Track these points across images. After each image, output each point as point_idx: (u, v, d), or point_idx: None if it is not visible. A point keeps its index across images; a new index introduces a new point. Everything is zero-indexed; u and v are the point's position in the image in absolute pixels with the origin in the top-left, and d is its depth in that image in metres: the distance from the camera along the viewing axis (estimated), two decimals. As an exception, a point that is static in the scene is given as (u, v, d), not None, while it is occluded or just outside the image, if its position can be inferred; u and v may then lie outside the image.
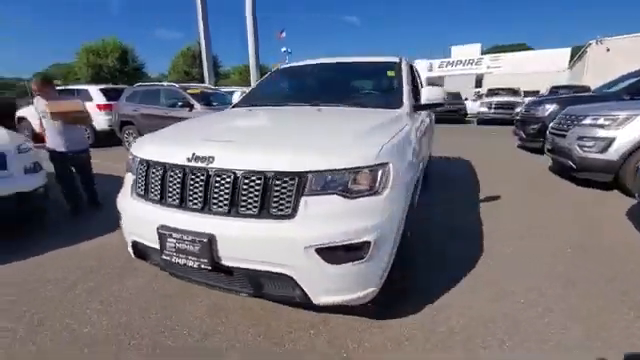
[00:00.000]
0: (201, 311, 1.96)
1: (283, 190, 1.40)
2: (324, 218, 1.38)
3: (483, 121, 14.06)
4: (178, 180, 1.55)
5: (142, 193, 1.70)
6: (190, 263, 1.48)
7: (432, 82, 36.07)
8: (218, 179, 1.47)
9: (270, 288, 1.53)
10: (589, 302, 2.00)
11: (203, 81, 16.40)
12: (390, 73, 2.67)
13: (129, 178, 1.85)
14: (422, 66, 35.06)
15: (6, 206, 2.78)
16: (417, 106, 2.53)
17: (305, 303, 1.50)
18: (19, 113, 9.39)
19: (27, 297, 2.14)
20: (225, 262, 1.46)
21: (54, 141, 3.34)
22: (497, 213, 3.52)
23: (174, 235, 1.49)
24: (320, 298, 1.47)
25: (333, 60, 3.05)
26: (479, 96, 17.00)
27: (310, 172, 1.39)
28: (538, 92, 16.04)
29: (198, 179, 1.50)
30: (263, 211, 1.41)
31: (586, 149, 3.95)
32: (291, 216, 1.39)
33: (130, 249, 1.84)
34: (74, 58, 17.91)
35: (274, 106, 2.53)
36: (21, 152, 2.97)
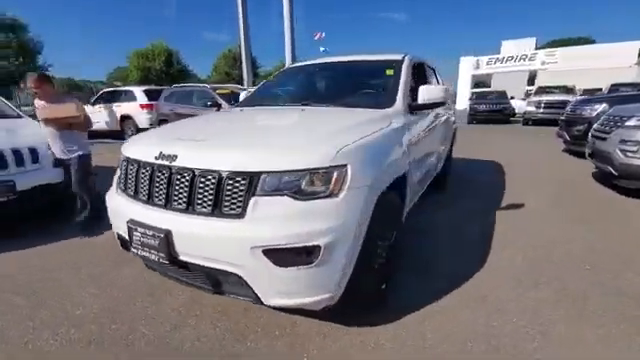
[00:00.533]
0: (179, 303, 2.04)
1: (235, 189, 1.41)
2: (273, 219, 1.37)
3: (531, 121, 12.99)
4: (147, 177, 1.63)
5: (123, 188, 1.82)
6: (152, 257, 1.55)
7: (479, 80, 34.20)
8: (179, 177, 1.52)
9: (227, 286, 1.55)
10: (592, 329, 1.76)
11: (242, 81, 17.04)
12: (389, 72, 2.57)
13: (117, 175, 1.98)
14: (468, 63, 33.33)
15: (38, 195, 3.10)
16: (414, 106, 2.40)
17: (257, 304, 1.50)
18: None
19: (40, 278, 2.37)
20: (182, 257, 1.50)
21: (53, 147, 3.12)
22: (515, 221, 3.25)
23: (139, 229, 1.57)
24: (271, 300, 1.46)
25: (335, 59, 3.00)
26: (527, 94, 15.72)
27: (261, 172, 1.39)
28: (600, 90, 14.45)
29: (163, 176, 1.57)
30: (216, 210, 1.44)
31: (629, 154, 3.48)
32: (241, 216, 1.39)
33: (117, 240, 1.97)
34: (126, 62, 19.79)
35: (267, 106, 2.56)
36: (52, 148, 3.29)
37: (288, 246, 1.35)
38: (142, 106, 8.83)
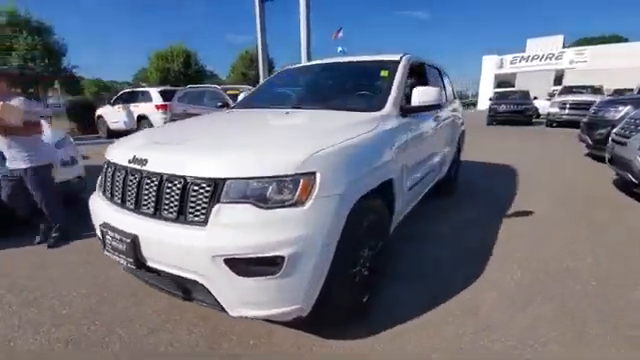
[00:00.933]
0: (160, 306, 2.03)
1: (200, 196, 1.38)
2: (235, 228, 1.33)
3: (555, 123, 12.38)
4: (121, 180, 1.62)
5: (103, 191, 1.83)
6: (122, 261, 1.55)
7: (502, 80, 33.14)
8: (148, 181, 1.50)
9: (195, 294, 1.52)
10: (590, 354, 1.62)
11: (258, 82, 17.20)
12: (384, 73, 2.47)
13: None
14: (491, 62, 32.40)
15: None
16: (408, 108, 2.31)
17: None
18: (98, 112, 10.89)
19: (36, 276, 2.44)
20: (150, 263, 1.49)
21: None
22: (520, 230, 3.07)
23: (110, 233, 1.56)
24: (236, 310, 1.41)
25: (331, 61, 2.94)
26: (551, 95, 15.02)
27: (225, 179, 1.35)
28: (631, 91, 13.61)
29: (134, 180, 1.56)
30: (181, 216, 1.41)
31: (651, 161, 3.22)
32: (204, 223, 1.36)
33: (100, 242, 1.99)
34: (146, 64, 20.41)
35: (256, 108, 2.53)
36: (58, 147, 3.40)
37: (250, 256, 1.30)
38: (157, 107, 9.07)
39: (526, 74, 28.61)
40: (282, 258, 1.31)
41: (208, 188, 1.36)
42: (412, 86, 2.49)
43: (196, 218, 1.38)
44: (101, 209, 1.73)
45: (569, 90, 13.38)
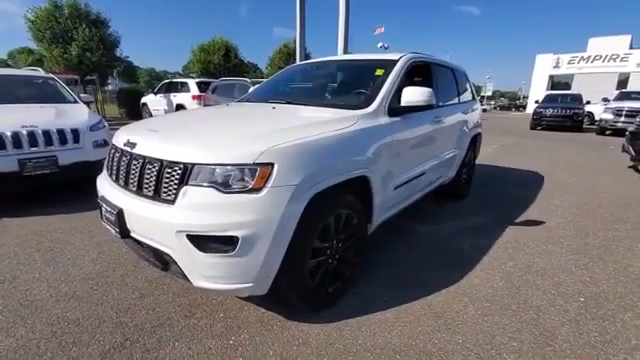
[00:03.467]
0: (155, 276, 2.27)
1: (171, 178, 1.55)
2: (197, 208, 1.49)
3: (608, 132, 11.32)
4: (117, 160, 1.86)
5: (106, 170, 2.08)
6: (112, 231, 1.78)
7: (557, 81, 30.67)
8: (135, 162, 1.71)
9: (170, 265, 1.71)
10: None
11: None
12: (379, 72, 2.51)
13: None
14: (545, 62, 30.18)
15: (77, 170, 3.62)
16: (397, 108, 2.33)
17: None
18: (143, 100, 11.78)
19: (60, 239, 2.82)
20: (133, 235, 1.70)
21: None
22: (519, 241, 2.96)
23: (104, 205, 1.80)
24: (198, 281, 1.58)
25: (332, 59, 3.01)
26: (605, 99, 13.70)
27: (193, 164, 1.51)
28: None
29: (125, 160, 1.78)
30: (156, 194, 1.60)
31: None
32: (172, 202, 1.53)
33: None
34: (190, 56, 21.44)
35: (251, 102, 2.72)
36: (92, 130, 3.81)
37: (208, 234, 1.46)
38: (194, 97, 9.66)
39: (585, 76, 26.29)
40: (237, 238, 1.46)
41: (179, 171, 1.53)
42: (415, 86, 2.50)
43: (168, 197, 1.56)
44: (102, 185, 1.98)
45: (627, 96, 12.13)
